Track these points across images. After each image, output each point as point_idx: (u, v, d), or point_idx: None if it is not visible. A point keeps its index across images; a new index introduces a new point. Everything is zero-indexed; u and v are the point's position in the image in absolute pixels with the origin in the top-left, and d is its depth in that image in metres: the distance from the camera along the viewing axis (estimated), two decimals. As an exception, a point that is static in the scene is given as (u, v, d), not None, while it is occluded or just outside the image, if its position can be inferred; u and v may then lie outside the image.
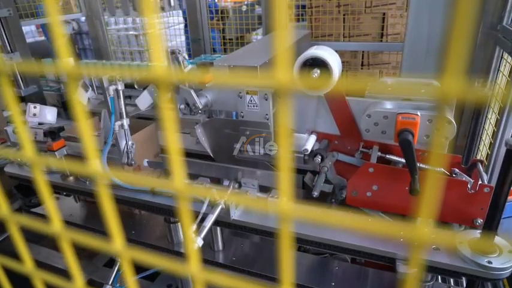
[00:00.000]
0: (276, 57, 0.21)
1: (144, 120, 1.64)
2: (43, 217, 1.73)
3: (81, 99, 1.20)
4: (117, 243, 0.27)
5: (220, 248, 1.41)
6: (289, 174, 0.23)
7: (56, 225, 0.29)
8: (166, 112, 0.22)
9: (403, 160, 1.07)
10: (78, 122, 0.25)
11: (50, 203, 0.29)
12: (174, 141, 0.23)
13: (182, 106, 1.29)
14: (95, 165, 0.27)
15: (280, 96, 0.22)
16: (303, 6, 2.72)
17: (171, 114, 0.23)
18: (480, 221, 1.01)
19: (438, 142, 0.21)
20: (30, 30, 4.94)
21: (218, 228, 1.37)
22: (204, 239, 1.07)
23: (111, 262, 1.71)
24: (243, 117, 1.23)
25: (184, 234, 1.41)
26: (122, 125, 1.33)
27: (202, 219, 1.12)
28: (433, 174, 0.20)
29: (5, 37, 2.21)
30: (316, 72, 1.01)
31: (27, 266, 0.33)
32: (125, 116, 1.32)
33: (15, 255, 0.40)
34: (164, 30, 3.42)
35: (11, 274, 0.46)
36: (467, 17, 0.16)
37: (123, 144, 1.37)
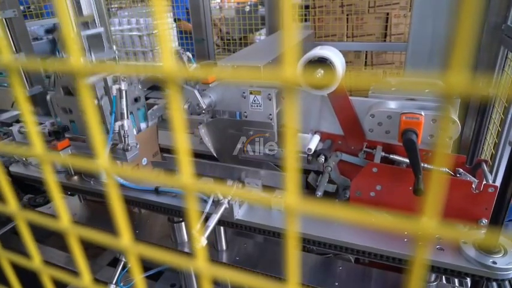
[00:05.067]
0: (283, 54, 0.21)
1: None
2: (48, 216, 1.74)
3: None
4: (124, 238, 0.27)
5: (224, 247, 1.42)
6: (296, 174, 0.24)
7: (64, 221, 0.29)
8: (175, 112, 0.23)
9: (407, 160, 1.06)
10: (89, 121, 0.26)
11: (58, 199, 0.29)
12: (183, 141, 0.24)
13: (186, 106, 1.29)
14: (103, 161, 0.28)
15: (287, 94, 0.22)
16: (306, 7, 2.72)
17: (180, 114, 0.23)
18: (485, 221, 1.01)
19: (443, 141, 0.21)
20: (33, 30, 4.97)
21: (222, 228, 1.37)
22: (207, 238, 1.07)
23: (114, 262, 1.72)
24: (246, 117, 1.23)
25: (191, 232, 1.41)
26: (122, 126, 1.28)
27: (206, 219, 1.12)
28: (437, 174, 0.20)
29: (10, 38, 2.23)
30: (320, 72, 1.01)
31: (36, 261, 0.33)
32: (125, 117, 1.29)
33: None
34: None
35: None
36: (471, 13, 0.16)
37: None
